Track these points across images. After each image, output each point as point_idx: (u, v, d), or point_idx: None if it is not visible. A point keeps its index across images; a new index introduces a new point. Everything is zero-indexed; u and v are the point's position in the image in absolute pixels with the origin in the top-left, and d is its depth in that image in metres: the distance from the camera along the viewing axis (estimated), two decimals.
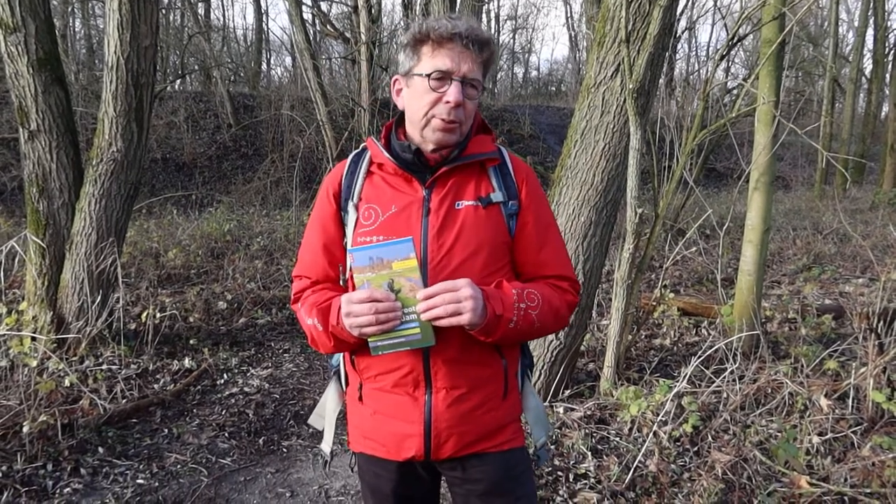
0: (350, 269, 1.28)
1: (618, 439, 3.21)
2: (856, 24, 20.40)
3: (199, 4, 19.44)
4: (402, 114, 1.42)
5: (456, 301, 1.20)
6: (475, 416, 1.37)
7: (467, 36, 1.28)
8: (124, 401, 3.71)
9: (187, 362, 4.34)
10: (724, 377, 3.49)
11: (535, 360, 3.52)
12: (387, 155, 1.38)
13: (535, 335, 1.38)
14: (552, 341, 3.59)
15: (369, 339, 1.25)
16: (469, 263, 1.31)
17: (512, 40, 32.91)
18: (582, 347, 4.08)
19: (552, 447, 3.15)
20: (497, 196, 1.38)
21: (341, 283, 1.41)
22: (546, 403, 3.58)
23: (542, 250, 1.41)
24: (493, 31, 28.45)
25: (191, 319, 5.22)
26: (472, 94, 1.32)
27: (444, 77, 1.29)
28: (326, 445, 1.59)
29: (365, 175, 1.42)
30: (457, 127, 1.32)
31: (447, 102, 1.29)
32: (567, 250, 1.50)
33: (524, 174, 1.44)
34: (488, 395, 1.38)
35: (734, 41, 4.21)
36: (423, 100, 1.32)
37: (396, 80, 1.41)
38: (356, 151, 1.48)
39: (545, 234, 1.42)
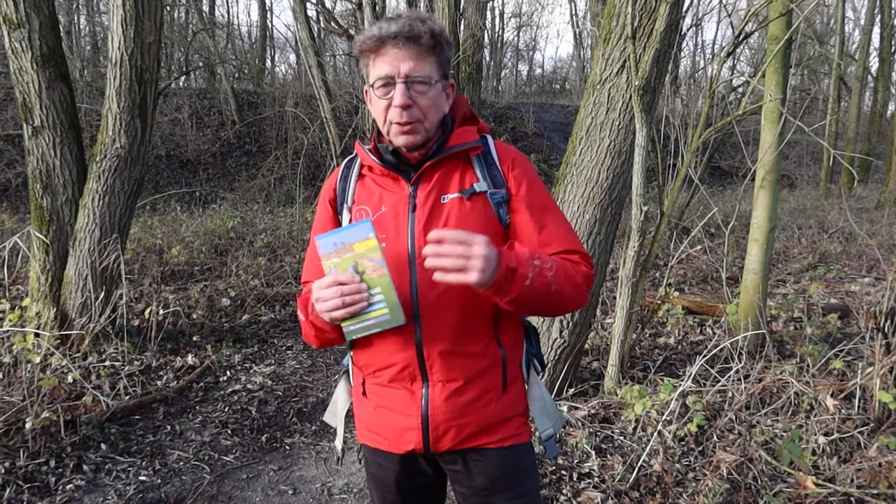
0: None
1: (622, 438, 3.19)
2: (862, 21, 20.33)
3: (204, 1, 19.45)
4: None
5: (466, 256, 1.12)
6: (474, 408, 1.36)
7: (397, 35, 1.26)
8: (127, 397, 3.71)
9: (190, 359, 4.34)
10: (729, 376, 3.47)
11: None
12: (372, 157, 1.39)
13: (555, 301, 1.29)
14: (556, 339, 3.58)
15: (342, 325, 1.25)
16: None
17: (516, 38, 32.86)
18: (586, 346, 4.06)
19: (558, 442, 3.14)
20: (481, 186, 1.36)
21: None
22: None
23: (542, 232, 1.37)
24: (497, 28, 28.39)
25: (194, 316, 5.22)
26: (420, 89, 1.29)
27: (387, 83, 1.29)
28: (339, 442, 1.61)
29: (357, 178, 1.44)
30: (416, 126, 1.31)
31: (396, 106, 1.28)
32: (571, 227, 1.44)
33: (510, 160, 1.41)
34: (486, 387, 1.36)
35: (741, 38, 4.19)
36: (378, 109, 1.33)
37: (366, 90, 1.41)
38: (349, 157, 1.50)
39: (542, 215, 1.38)
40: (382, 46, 1.28)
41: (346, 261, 1.22)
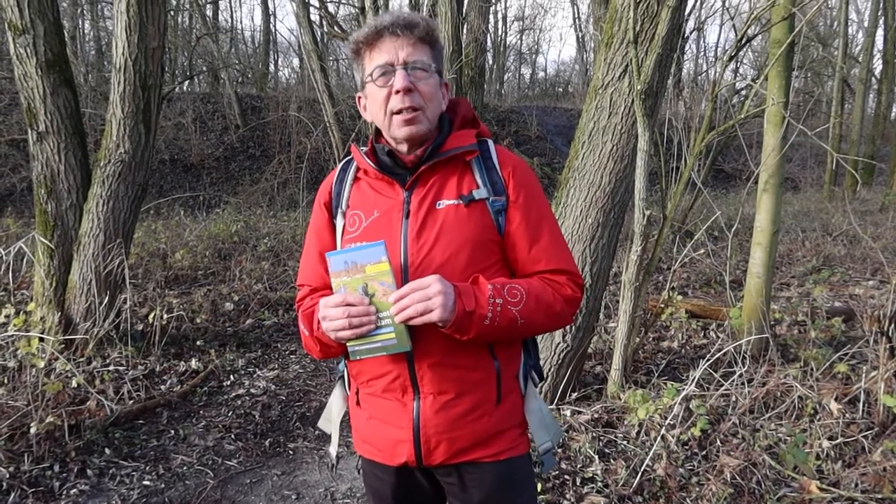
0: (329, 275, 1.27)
1: (625, 443, 3.18)
2: (865, 24, 20.29)
3: (207, 6, 19.51)
4: None
5: (425, 298, 1.18)
6: (465, 421, 1.32)
7: (392, 24, 1.28)
8: (131, 402, 3.72)
9: (194, 363, 4.35)
10: (733, 380, 3.46)
11: (541, 362, 3.49)
12: (367, 161, 1.37)
13: (525, 332, 1.33)
14: (559, 343, 3.58)
15: (347, 344, 1.24)
16: (451, 264, 1.28)
17: (519, 41, 32.91)
18: (589, 350, 4.06)
19: (559, 450, 3.14)
20: (481, 193, 1.33)
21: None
22: (553, 406, 3.56)
23: (535, 246, 1.35)
24: (499, 32, 28.43)
25: (198, 321, 5.23)
26: (420, 75, 1.30)
27: (386, 71, 1.29)
28: (333, 449, 1.58)
29: (352, 182, 1.43)
30: (419, 114, 1.30)
31: (397, 92, 1.27)
32: (566, 243, 1.43)
33: (511, 167, 1.38)
34: (479, 401, 1.33)
35: (743, 42, 4.19)
36: (377, 101, 1.32)
37: (359, 97, 1.42)
38: (346, 159, 1.48)
39: (537, 228, 1.36)
40: (379, 37, 1.30)
41: (356, 281, 1.21)
